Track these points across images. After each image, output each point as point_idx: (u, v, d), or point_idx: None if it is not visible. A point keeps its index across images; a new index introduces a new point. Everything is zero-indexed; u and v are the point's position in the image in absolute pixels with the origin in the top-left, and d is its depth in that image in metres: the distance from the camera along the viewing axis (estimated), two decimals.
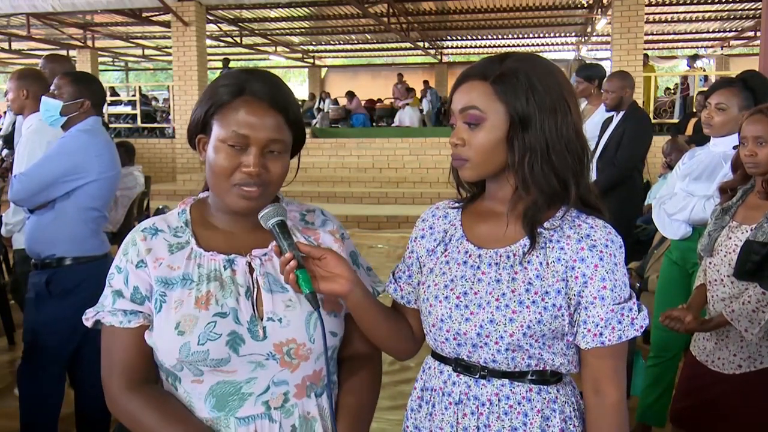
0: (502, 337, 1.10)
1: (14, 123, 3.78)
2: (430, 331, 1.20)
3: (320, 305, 1.12)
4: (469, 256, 1.17)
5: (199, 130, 1.17)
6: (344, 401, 1.22)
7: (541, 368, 1.14)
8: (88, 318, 1.19)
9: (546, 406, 1.14)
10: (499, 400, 1.14)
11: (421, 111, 15.44)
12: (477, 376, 1.15)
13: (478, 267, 1.15)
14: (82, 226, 2.43)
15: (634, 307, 1.12)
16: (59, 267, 2.41)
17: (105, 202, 2.50)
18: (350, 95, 16.25)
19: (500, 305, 1.11)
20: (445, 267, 1.19)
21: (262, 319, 1.13)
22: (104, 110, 12.78)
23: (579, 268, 1.10)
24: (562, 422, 1.15)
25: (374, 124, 16.04)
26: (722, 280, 2.05)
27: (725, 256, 2.02)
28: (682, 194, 2.72)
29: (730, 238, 2.02)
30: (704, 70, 16.31)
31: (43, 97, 2.49)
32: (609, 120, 4.17)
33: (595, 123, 4.20)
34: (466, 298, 1.14)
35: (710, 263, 2.11)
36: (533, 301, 1.09)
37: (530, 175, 1.10)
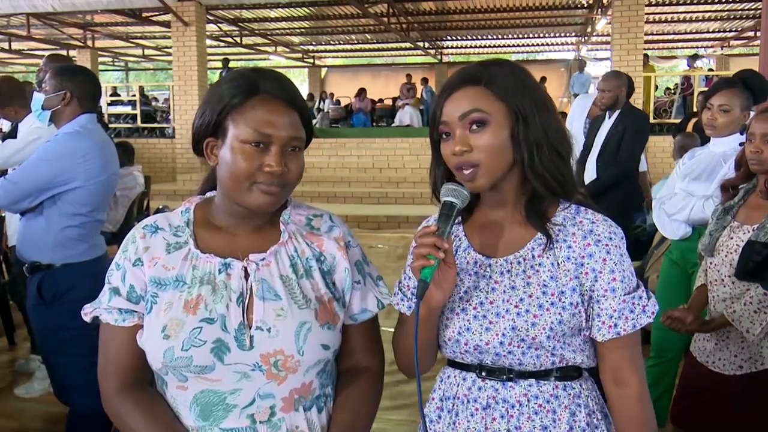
0: (523, 340, 1.11)
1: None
2: (447, 343, 1.19)
3: (421, 298, 1.07)
4: (479, 266, 1.17)
5: (209, 133, 1.13)
6: (337, 416, 1.18)
7: (564, 365, 1.15)
8: (87, 313, 1.18)
9: (572, 401, 1.15)
10: (528, 400, 1.14)
11: (422, 110, 15.46)
12: (504, 379, 1.15)
13: (490, 276, 1.15)
14: (68, 232, 2.32)
15: (644, 295, 1.14)
16: (49, 269, 2.32)
17: (96, 206, 2.37)
18: (362, 92, 16.24)
19: (521, 311, 1.11)
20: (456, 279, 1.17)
21: (250, 328, 1.10)
22: (104, 110, 12.78)
23: (588, 264, 1.11)
24: (587, 416, 1.16)
25: (374, 124, 16.03)
26: (723, 280, 2.04)
27: (726, 256, 2.01)
28: (682, 194, 2.72)
29: (732, 238, 2.01)
30: (712, 70, 16.25)
31: (34, 92, 2.43)
32: (600, 119, 4.18)
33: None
34: (483, 308, 1.14)
35: (711, 263, 2.10)
36: (552, 303, 1.10)
37: (540, 169, 1.11)
